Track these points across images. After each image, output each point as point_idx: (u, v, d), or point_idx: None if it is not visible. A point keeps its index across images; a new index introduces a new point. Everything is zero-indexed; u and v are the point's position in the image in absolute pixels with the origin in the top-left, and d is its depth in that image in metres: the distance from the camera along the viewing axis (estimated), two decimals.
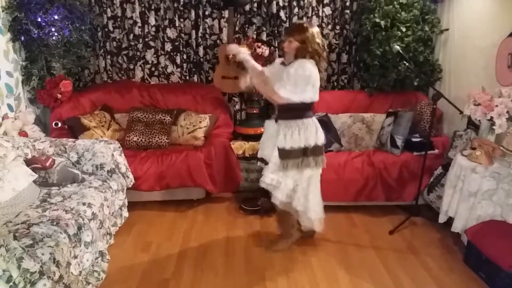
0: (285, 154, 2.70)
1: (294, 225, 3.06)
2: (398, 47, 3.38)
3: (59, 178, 2.84)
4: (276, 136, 2.75)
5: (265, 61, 3.75)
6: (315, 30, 2.66)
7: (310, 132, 2.73)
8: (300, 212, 2.86)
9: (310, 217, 2.86)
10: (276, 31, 4.28)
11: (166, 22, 4.27)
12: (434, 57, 4.05)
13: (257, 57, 3.69)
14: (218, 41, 4.34)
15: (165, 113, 3.91)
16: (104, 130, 3.76)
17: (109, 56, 4.34)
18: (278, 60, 2.90)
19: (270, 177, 2.75)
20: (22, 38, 3.56)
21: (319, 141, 2.76)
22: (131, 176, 3.25)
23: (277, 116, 2.79)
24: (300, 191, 2.79)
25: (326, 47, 3.02)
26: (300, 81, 2.60)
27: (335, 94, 4.28)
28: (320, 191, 2.90)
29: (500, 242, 2.58)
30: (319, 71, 2.69)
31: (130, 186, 3.25)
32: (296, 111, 2.70)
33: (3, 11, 3.43)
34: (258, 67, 2.77)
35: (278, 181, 2.75)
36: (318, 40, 2.65)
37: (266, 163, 2.85)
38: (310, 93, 2.65)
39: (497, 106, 2.82)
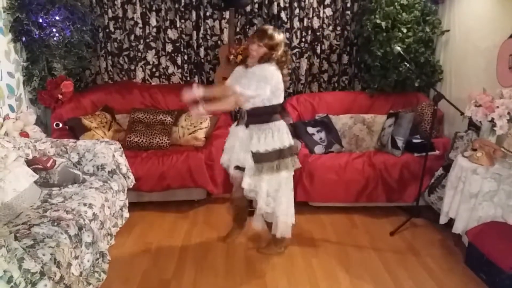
0: (260, 158, 2.68)
1: None
2: (399, 48, 3.39)
3: (60, 179, 2.84)
4: (249, 140, 2.72)
5: None
6: (282, 37, 2.68)
7: (283, 134, 2.73)
8: (273, 216, 2.83)
9: (282, 220, 2.80)
10: None
11: (167, 23, 4.27)
12: (435, 58, 4.05)
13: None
14: (219, 42, 4.34)
15: (166, 114, 3.92)
16: (105, 130, 3.77)
17: (110, 57, 4.35)
18: (239, 67, 2.84)
19: (248, 182, 2.72)
20: (23, 38, 3.56)
21: (291, 142, 2.77)
22: (132, 176, 3.25)
23: (247, 121, 2.75)
24: (273, 194, 2.76)
25: (289, 55, 3.10)
26: (258, 79, 2.59)
27: (336, 95, 4.28)
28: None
29: (501, 243, 2.58)
30: (283, 76, 2.70)
31: (131, 186, 3.25)
32: (266, 115, 2.71)
33: (4, 11, 3.43)
34: (217, 89, 2.87)
35: (255, 185, 2.72)
36: (284, 48, 2.68)
37: (243, 169, 2.80)
38: (268, 93, 2.61)
39: (498, 107, 2.82)
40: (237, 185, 2.87)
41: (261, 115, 2.70)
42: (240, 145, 2.78)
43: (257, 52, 2.63)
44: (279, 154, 2.70)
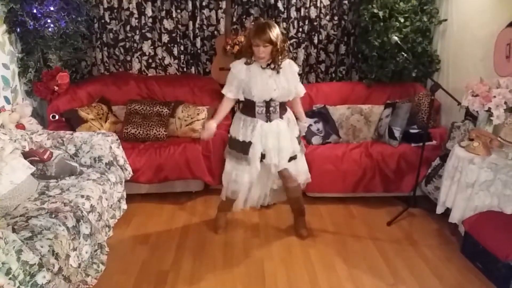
0: (300, 139, 2.97)
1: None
2: (396, 38, 3.37)
3: (57, 171, 2.84)
4: (291, 128, 2.88)
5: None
6: (277, 29, 2.71)
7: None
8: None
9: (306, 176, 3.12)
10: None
11: (163, 13, 4.24)
12: (433, 48, 4.04)
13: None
14: (215, 32, 4.32)
15: (162, 105, 3.90)
16: (101, 122, 3.75)
17: (106, 48, 4.32)
18: (254, 68, 2.74)
19: (303, 164, 3.00)
20: (18, 29, 3.53)
21: None
22: (129, 168, 3.25)
23: (280, 113, 2.83)
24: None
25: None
26: (297, 77, 2.87)
27: (333, 85, 4.26)
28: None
29: (497, 232, 2.60)
30: None
31: (128, 178, 3.25)
32: (285, 105, 2.91)
33: None
34: (222, 110, 2.97)
35: (302, 165, 3.01)
36: (282, 37, 2.74)
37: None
38: None
39: (495, 97, 2.82)
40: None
41: (284, 105, 2.88)
42: (285, 136, 2.86)
43: (266, 53, 2.67)
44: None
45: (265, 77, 2.73)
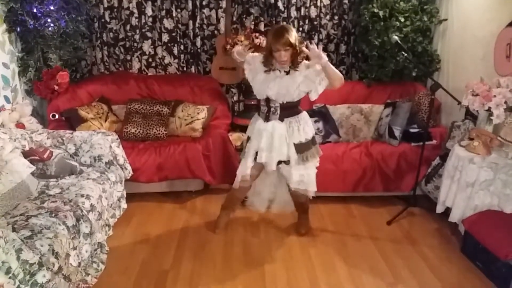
0: (302, 148, 2.82)
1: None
2: (396, 38, 3.37)
3: (57, 170, 2.84)
4: (289, 133, 2.80)
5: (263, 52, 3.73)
6: (294, 31, 2.67)
7: (309, 123, 2.89)
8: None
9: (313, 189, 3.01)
10: (274, 21, 4.25)
11: (163, 13, 4.24)
12: (433, 47, 4.04)
13: (255, 47, 3.67)
14: (215, 31, 4.32)
15: (162, 105, 3.90)
16: (101, 121, 3.75)
17: (106, 47, 4.32)
18: (274, 72, 2.73)
19: (298, 174, 2.86)
20: (18, 29, 3.53)
21: (314, 132, 2.94)
22: (129, 167, 3.25)
23: (280, 115, 2.79)
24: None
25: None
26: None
27: None
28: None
29: (497, 231, 2.60)
30: None
31: (128, 177, 3.25)
32: (295, 108, 2.83)
33: None
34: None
35: (302, 174, 2.87)
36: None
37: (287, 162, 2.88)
38: None
39: (495, 96, 2.81)
40: (253, 178, 2.98)
41: (292, 108, 2.80)
42: (280, 140, 2.81)
43: (287, 56, 2.64)
44: (313, 142, 2.89)
45: (271, 76, 2.73)
